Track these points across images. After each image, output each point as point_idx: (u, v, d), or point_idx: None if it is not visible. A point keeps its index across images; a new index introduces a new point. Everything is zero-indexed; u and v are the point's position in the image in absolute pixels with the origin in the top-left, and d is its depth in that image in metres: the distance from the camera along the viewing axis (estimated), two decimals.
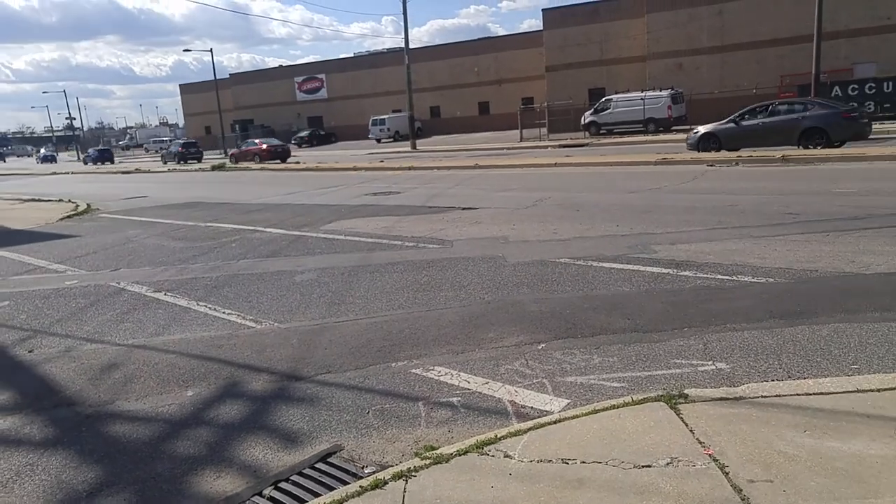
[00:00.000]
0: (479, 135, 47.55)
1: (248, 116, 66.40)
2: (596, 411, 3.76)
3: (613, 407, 3.76)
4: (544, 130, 37.14)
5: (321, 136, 59.38)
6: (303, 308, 6.52)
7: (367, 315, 6.11)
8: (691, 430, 3.33)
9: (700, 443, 3.20)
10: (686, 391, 3.83)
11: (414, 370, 4.73)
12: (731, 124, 19.79)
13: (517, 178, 17.65)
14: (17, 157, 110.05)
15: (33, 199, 21.75)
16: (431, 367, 4.74)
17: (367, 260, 8.46)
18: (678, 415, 3.52)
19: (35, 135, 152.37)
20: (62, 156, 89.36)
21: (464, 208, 12.39)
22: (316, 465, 3.59)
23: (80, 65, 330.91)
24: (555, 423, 3.62)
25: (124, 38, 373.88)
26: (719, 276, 6.42)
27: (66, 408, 4.59)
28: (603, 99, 35.67)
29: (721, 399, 3.73)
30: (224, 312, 6.57)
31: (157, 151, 79.78)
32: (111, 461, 3.80)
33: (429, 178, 19.86)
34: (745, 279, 6.30)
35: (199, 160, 45.43)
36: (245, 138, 62.98)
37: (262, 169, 31.26)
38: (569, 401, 4.10)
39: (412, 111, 40.47)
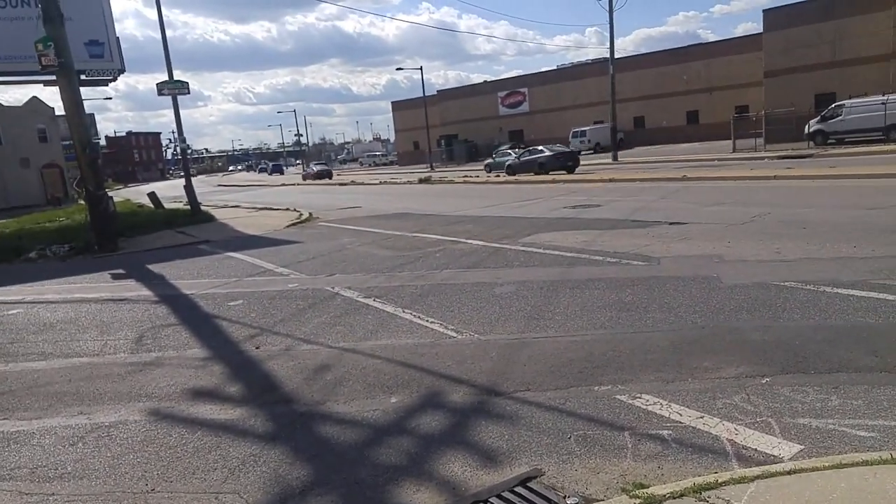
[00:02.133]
0: (687, 145, 44.86)
1: (453, 132, 69.48)
2: (842, 465, 3.16)
3: (866, 463, 3.15)
4: (760, 141, 33.86)
5: (521, 149, 60.09)
6: (502, 321, 6.46)
7: (567, 333, 5.87)
8: None
9: None
10: None
11: (619, 396, 4.40)
12: (517, 159, 34.18)
13: (730, 192, 16.20)
14: (248, 170, 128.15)
15: (266, 208, 24.57)
16: (638, 395, 4.38)
17: (567, 275, 8.21)
18: None
19: (270, 150, 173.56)
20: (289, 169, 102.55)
21: (670, 223, 11.61)
22: (515, 489, 3.44)
23: (308, 86, 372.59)
24: (789, 473, 3.10)
25: (344, 60, 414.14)
26: None
27: (284, 405, 4.95)
28: (833, 105, 31.61)
29: None
30: (427, 321, 6.73)
31: (371, 164, 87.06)
32: (320, 461, 3.98)
33: (631, 191, 19.03)
34: None
35: (330, 177, 57.20)
36: (449, 153, 66.31)
37: (465, 182, 32.32)
38: (802, 447, 3.52)
39: (615, 121, 39.32)
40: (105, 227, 15.26)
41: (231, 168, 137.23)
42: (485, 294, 7.62)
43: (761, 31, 40.98)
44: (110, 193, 16.85)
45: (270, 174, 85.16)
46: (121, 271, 12.43)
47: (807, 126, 31.78)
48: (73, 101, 14.85)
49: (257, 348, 6.47)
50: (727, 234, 9.95)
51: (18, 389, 5.88)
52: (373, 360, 5.69)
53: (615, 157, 39.09)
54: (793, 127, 32.94)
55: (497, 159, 40.18)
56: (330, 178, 55.87)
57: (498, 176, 33.23)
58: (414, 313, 7.08)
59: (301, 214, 20.08)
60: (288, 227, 17.52)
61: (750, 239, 9.32)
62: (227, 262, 12.29)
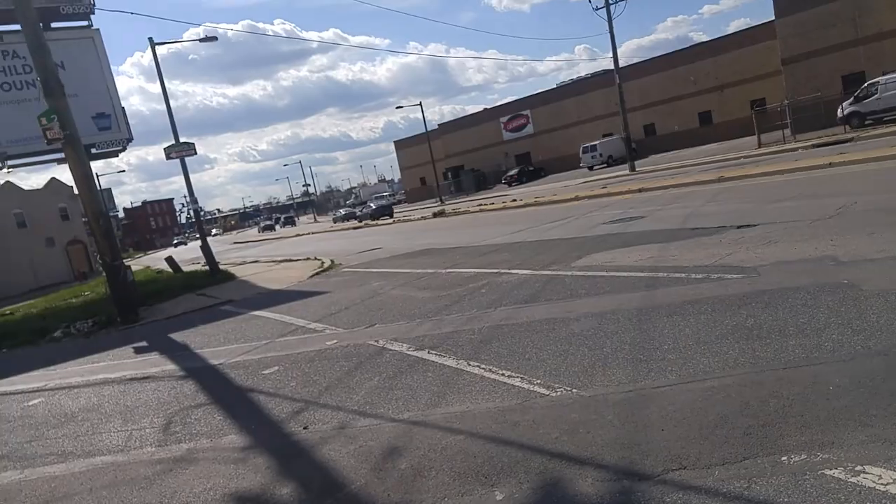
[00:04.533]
0: (703, 148, 43.52)
1: (458, 163, 68.88)
2: None
3: None
4: (787, 132, 32.49)
5: (530, 171, 59.19)
6: (600, 367, 5.19)
7: (695, 377, 4.59)
8: None
9: None
10: None
11: (828, 471, 3.11)
12: (361, 211, 54.53)
13: (786, 186, 14.87)
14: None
15: (286, 260, 23.51)
16: (859, 468, 3.08)
17: (652, 299, 6.93)
18: None
19: (280, 203, 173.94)
20: (301, 219, 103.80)
21: (739, 227, 10.32)
22: None
23: (308, 138, 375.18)
24: None
25: (341, 108, 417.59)
26: None
27: None
28: (865, 84, 30.06)
29: None
30: (503, 374, 5.48)
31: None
32: None
33: (669, 199, 17.75)
34: None
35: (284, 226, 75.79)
36: (457, 185, 65.75)
37: (481, 210, 31.20)
38: None
39: (627, 131, 38.21)
40: (125, 298, 14.36)
41: (212, 232, 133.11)
42: (562, 333, 6.36)
43: (755, 24, 40.03)
44: (131, 262, 15.96)
45: (263, 231, 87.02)
46: (143, 344, 11.34)
47: (839, 109, 30.20)
48: (82, 172, 14.03)
49: (305, 428, 5.26)
50: (820, 231, 8.64)
51: None
52: (453, 437, 4.44)
53: (632, 168, 37.86)
54: (821, 113, 31.55)
55: (338, 214, 65.60)
56: (273, 230, 74.67)
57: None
58: (482, 366, 5.84)
59: (323, 262, 18.96)
60: (312, 276, 16.40)
61: (856, 233, 7.99)
62: (254, 321, 11.14)
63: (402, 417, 5.05)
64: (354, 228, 41.83)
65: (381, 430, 4.87)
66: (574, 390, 4.83)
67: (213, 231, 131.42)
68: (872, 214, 9.03)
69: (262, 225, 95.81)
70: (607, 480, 3.47)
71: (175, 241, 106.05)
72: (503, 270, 10.85)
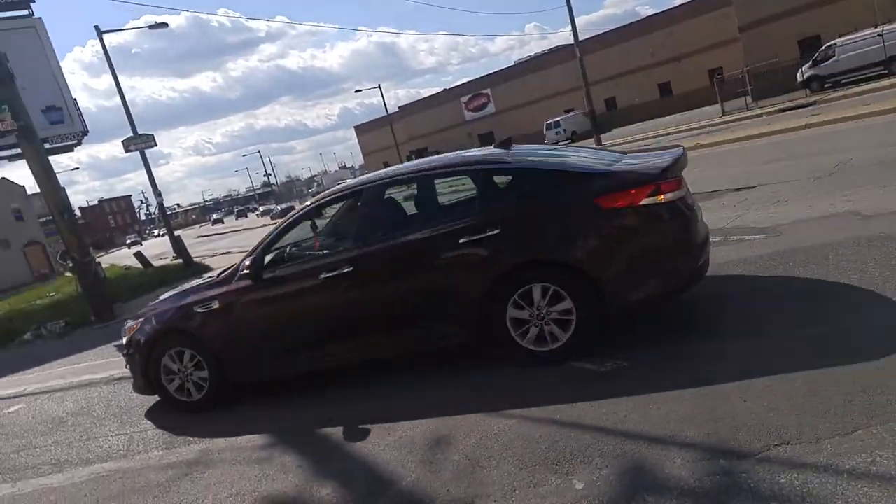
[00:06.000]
0: (665, 119, 43.77)
1: (422, 145, 68.07)
2: None
3: None
4: (748, 99, 32.73)
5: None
6: (652, 335, 4.83)
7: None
8: None
9: None
10: None
11: None
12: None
13: (771, 149, 14.76)
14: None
15: None
16: None
17: None
18: None
19: (240, 195, 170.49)
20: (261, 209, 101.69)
21: (737, 189, 10.12)
22: None
23: (263, 128, 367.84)
24: None
25: (295, 96, 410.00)
26: None
27: None
28: (823, 47, 30.42)
29: None
30: None
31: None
32: None
33: None
34: None
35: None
36: None
37: None
38: None
39: (591, 105, 38.05)
40: (98, 295, 13.74)
41: (156, 233, 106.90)
42: None
43: None
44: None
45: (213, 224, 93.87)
46: None
47: (799, 74, 30.53)
48: (41, 165, 13.13)
49: (331, 420, 4.76)
50: (827, 187, 8.41)
51: None
52: (505, 422, 4.03)
53: (599, 142, 37.85)
54: (780, 79, 31.79)
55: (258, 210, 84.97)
56: (222, 223, 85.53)
57: None
58: None
59: None
60: None
61: (867, 187, 7.70)
62: None
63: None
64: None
65: (417, 423, 4.42)
66: (625, 363, 4.46)
67: (157, 232, 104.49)
68: (875, 168, 8.86)
69: (213, 218, 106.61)
70: (699, 460, 3.11)
71: (128, 241, 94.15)
72: None
